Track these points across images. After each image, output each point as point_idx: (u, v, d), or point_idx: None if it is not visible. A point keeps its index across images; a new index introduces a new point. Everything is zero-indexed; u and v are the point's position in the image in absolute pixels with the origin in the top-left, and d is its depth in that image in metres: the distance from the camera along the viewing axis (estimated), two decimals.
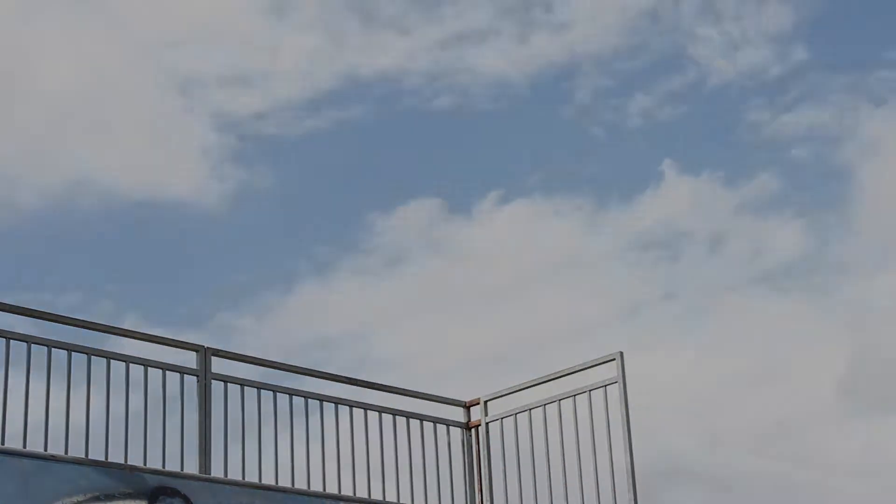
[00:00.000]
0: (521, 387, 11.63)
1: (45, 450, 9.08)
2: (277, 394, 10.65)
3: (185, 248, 25.39)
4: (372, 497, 10.92)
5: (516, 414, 11.60)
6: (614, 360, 10.94)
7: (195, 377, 10.24)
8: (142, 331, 10.16)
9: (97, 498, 8.92)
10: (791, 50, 25.16)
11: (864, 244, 25.27)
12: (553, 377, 11.35)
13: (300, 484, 10.45)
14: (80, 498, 8.85)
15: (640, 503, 10.58)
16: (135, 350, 10.01)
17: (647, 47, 25.42)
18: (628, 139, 25.61)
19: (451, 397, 12.04)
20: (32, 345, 9.45)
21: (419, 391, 11.69)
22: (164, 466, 9.66)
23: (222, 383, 10.36)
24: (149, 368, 9.97)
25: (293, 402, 10.73)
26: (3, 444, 9.01)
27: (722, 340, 25.33)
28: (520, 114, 25.66)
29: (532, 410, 11.43)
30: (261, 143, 25.62)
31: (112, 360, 9.80)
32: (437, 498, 11.40)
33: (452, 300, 25.23)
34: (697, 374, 24.70)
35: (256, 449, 10.34)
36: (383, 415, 11.33)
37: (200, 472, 9.92)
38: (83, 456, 9.26)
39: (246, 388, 10.46)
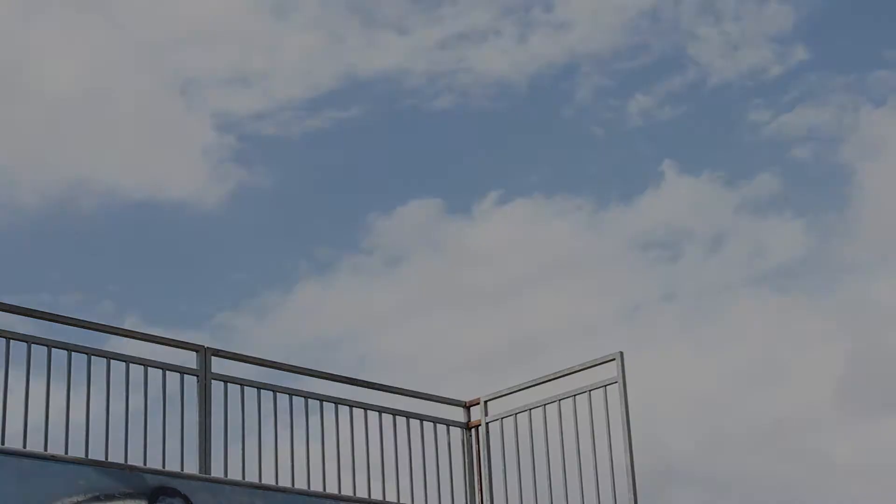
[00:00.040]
0: (521, 387, 11.63)
1: (45, 450, 9.08)
2: (277, 394, 10.65)
3: (185, 248, 25.41)
4: (372, 497, 10.92)
5: (516, 414, 11.60)
6: (614, 360, 10.94)
7: (195, 377, 10.24)
8: (142, 331, 10.17)
9: (97, 498, 8.92)
10: (791, 50, 25.18)
11: (864, 244, 25.28)
12: (553, 377, 11.35)
13: (300, 484, 10.45)
14: (80, 498, 8.86)
15: (640, 503, 10.58)
16: (135, 350, 10.02)
17: (647, 47, 25.44)
18: (628, 139, 25.63)
19: (451, 397, 12.04)
20: (32, 345, 9.45)
21: (419, 391, 11.69)
22: (164, 466, 9.66)
23: (222, 383, 10.36)
24: (149, 368, 9.97)
25: (293, 402, 10.73)
26: (3, 444, 9.01)
27: (722, 340, 25.35)
28: (520, 114, 25.68)
29: (532, 410, 11.43)
30: (261, 143, 25.64)
31: (112, 360, 9.80)
32: (437, 498, 11.40)
33: (452, 300, 25.25)
34: (697, 374, 24.70)
35: (256, 449, 10.34)
36: (383, 415, 11.33)
37: (200, 472, 9.92)
38: (83, 456, 9.26)
39: (246, 388, 10.46)
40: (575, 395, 11.11)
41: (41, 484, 8.72)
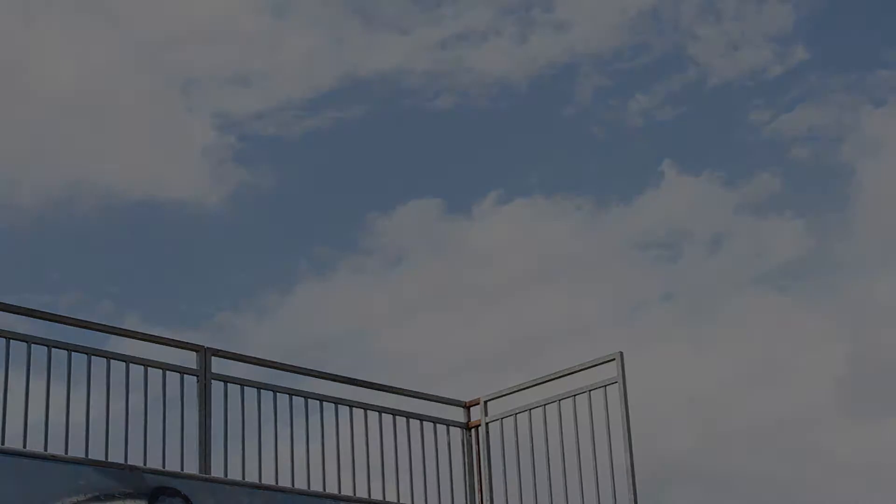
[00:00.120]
0: (521, 387, 11.63)
1: (45, 450, 9.08)
2: (277, 394, 10.65)
3: (185, 248, 25.40)
4: (372, 497, 10.92)
5: (516, 414, 11.60)
6: (614, 360, 10.94)
7: (195, 377, 10.24)
8: (142, 331, 10.16)
9: (97, 498, 8.92)
10: (791, 50, 25.17)
11: (864, 244, 25.28)
12: (553, 377, 11.35)
13: (300, 484, 10.45)
14: (80, 498, 8.85)
15: (640, 503, 10.58)
16: (135, 350, 10.01)
17: (647, 47, 25.43)
18: (628, 139, 25.62)
19: (451, 397, 12.04)
20: (32, 345, 9.45)
21: (419, 391, 11.70)
22: (164, 466, 9.66)
23: (222, 383, 10.36)
24: (149, 368, 9.97)
25: (293, 402, 10.73)
26: (3, 444, 9.01)
27: (722, 340, 25.33)
28: (520, 114, 25.67)
29: (532, 410, 11.43)
30: (261, 143, 25.64)
31: (112, 360, 9.80)
32: (437, 498, 11.40)
33: (452, 300, 25.24)
34: (697, 374, 24.70)
35: (256, 449, 10.34)
36: (383, 415, 11.33)
37: (200, 472, 9.92)
38: (83, 456, 9.26)
39: (246, 388, 10.46)
40: (575, 395, 11.11)
41: (41, 484, 8.72)
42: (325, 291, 25.24)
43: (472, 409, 12.05)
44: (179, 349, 10.27)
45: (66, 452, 9.19)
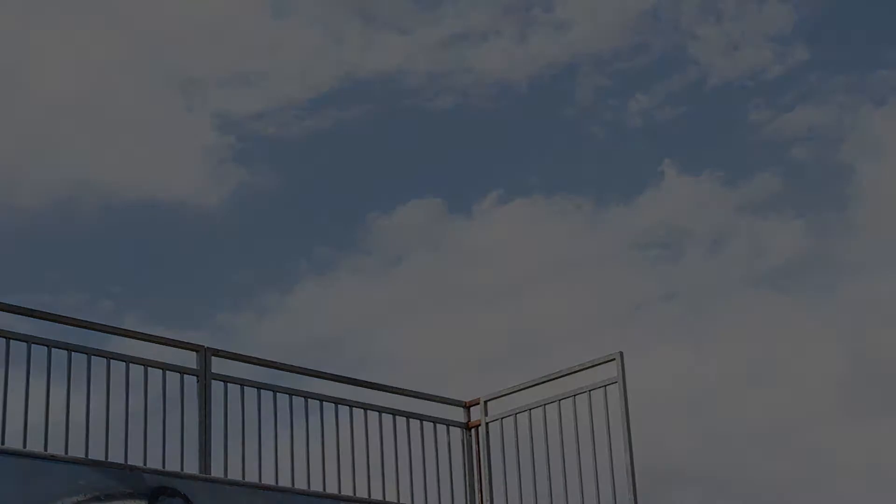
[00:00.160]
0: (521, 387, 11.63)
1: (45, 450, 9.08)
2: (277, 394, 10.65)
3: (185, 248, 25.39)
4: (372, 497, 10.92)
5: (516, 414, 11.60)
6: (614, 360, 10.94)
7: (195, 377, 10.24)
8: (142, 331, 10.16)
9: (97, 498, 8.92)
10: (791, 50, 25.17)
11: (864, 244, 25.26)
12: (553, 377, 11.35)
13: (300, 484, 10.45)
14: (80, 498, 8.85)
15: (640, 503, 10.58)
16: (135, 350, 10.01)
17: (647, 47, 25.43)
18: (628, 139, 25.61)
19: (451, 397, 12.04)
20: (32, 345, 9.45)
21: (419, 391, 11.70)
22: (164, 466, 9.66)
23: (222, 383, 10.36)
24: (149, 368, 9.97)
25: (293, 402, 10.73)
26: (3, 444, 9.01)
27: (722, 340, 25.32)
28: (520, 114, 25.67)
29: (532, 410, 11.43)
30: (261, 143, 25.63)
31: (112, 360, 9.80)
32: (437, 498, 11.40)
33: (452, 300, 25.23)
34: (697, 374, 24.68)
35: (256, 449, 10.33)
36: (383, 415, 11.33)
37: (200, 472, 9.92)
38: (83, 456, 9.26)
39: (246, 388, 10.46)
40: (575, 395, 11.11)
41: (41, 484, 8.72)
42: (325, 291, 25.24)
43: (472, 409, 12.04)
44: (179, 349, 10.27)
45: (66, 452, 9.19)
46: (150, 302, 23.36)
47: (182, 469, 9.75)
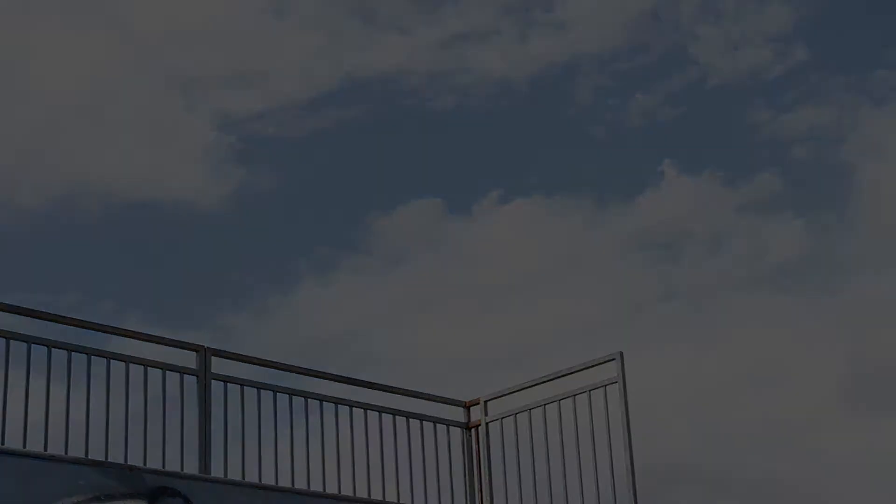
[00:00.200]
0: (521, 387, 11.63)
1: (45, 450, 9.08)
2: (277, 394, 10.65)
3: (185, 248, 25.39)
4: (372, 497, 10.92)
5: (516, 414, 11.60)
6: (614, 360, 10.94)
7: (195, 377, 10.24)
8: (142, 331, 10.16)
9: (97, 498, 8.92)
10: (791, 50, 25.17)
11: (864, 244, 25.26)
12: (553, 377, 11.35)
13: (300, 484, 10.45)
14: (80, 498, 8.85)
15: (640, 503, 10.58)
16: (135, 350, 10.01)
17: (647, 47, 25.43)
18: (628, 139, 25.62)
19: (451, 397, 12.04)
20: (32, 345, 9.45)
21: (419, 391, 11.69)
22: (164, 466, 9.66)
23: (222, 383, 10.36)
24: (149, 368, 9.97)
25: (293, 402, 10.73)
26: (3, 444, 9.01)
27: (722, 340, 25.32)
28: (520, 114, 25.67)
29: (532, 410, 11.42)
30: (261, 143, 25.63)
31: (112, 360, 9.79)
32: (437, 498, 11.40)
33: (452, 300, 25.23)
34: (697, 374, 24.69)
35: (256, 449, 10.33)
36: (383, 415, 11.33)
37: (200, 472, 9.92)
38: (83, 456, 9.26)
39: (246, 388, 10.46)
40: (575, 395, 11.11)
41: (41, 484, 8.72)
42: (325, 291, 25.24)
43: (472, 409, 12.04)
44: (179, 349, 10.27)
45: (66, 452, 9.19)
46: (150, 302, 23.36)
47: (182, 469, 9.74)
